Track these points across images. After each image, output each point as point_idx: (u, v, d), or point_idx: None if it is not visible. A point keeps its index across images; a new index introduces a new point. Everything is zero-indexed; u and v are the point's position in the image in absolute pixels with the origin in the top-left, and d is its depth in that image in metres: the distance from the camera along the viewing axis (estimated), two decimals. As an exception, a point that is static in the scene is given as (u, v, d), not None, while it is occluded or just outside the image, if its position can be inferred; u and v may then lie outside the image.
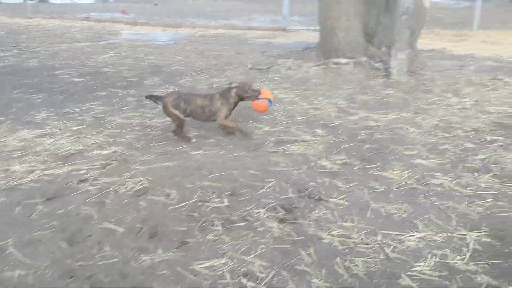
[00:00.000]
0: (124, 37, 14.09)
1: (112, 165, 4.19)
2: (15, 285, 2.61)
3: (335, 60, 7.73)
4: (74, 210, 3.41)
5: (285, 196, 3.56)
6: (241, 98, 4.70)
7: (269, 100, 4.69)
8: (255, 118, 5.58)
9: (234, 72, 8.39)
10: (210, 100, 4.71)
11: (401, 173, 3.92)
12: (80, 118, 5.70)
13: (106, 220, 3.26)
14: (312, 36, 12.44)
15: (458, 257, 2.79)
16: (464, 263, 2.73)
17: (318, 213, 3.32)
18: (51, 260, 2.82)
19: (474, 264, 2.71)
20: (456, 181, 3.78)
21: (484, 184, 3.72)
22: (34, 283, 2.61)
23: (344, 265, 2.73)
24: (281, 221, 3.22)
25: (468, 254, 2.81)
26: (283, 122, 5.38)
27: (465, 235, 3.01)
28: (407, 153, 4.38)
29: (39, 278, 2.66)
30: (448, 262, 2.74)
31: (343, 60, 7.64)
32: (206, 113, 4.74)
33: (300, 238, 3.01)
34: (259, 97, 4.62)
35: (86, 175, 3.99)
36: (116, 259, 2.82)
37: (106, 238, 3.04)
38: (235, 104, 4.76)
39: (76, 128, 5.30)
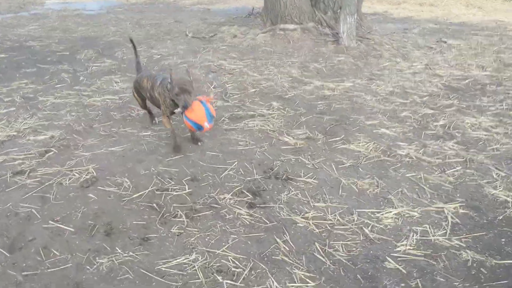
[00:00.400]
0: (49, 7, 12.94)
1: (51, 153, 3.71)
2: None
3: (282, 26, 7.42)
4: (11, 209, 2.96)
5: (250, 178, 3.30)
6: None
7: (197, 126, 3.40)
8: (205, 91, 5.22)
9: (175, 42, 7.89)
10: (152, 86, 3.78)
11: (367, 145, 3.77)
12: (8, 99, 5.07)
13: (51, 219, 2.85)
14: (253, 2, 12.02)
15: (439, 233, 2.68)
16: (446, 238, 2.62)
17: (288, 194, 3.09)
18: (-11, 273, 2.41)
19: (456, 239, 2.61)
20: (422, 150, 3.68)
21: (450, 152, 3.65)
22: (-30, 304, 2.21)
23: (324, 250, 2.54)
24: (250, 206, 2.97)
25: (448, 228, 2.71)
26: (235, 96, 5.06)
27: (442, 207, 2.91)
28: (368, 123, 4.24)
29: (-23, 297, 2.25)
30: (430, 239, 2.62)
31: (291, 26, 7.35)
32: (149, 98, 3.98)
33: (273, 224, 2.78)
34: (186, 115, 3.37)
35: (22, 166, 3.50)
36: (68, 265, 2.45)
37: (53, 241, 2.65)
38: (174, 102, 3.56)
39: (4, 111, 4.70)
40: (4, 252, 2.55)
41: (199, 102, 3.38)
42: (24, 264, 2.46)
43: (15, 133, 4.13)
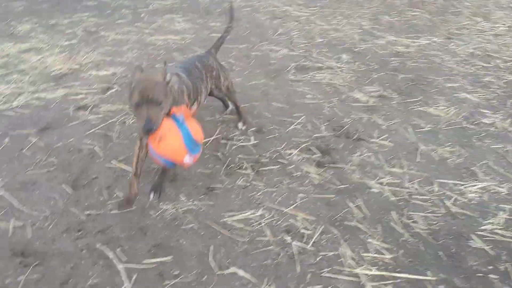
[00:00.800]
0: None
1: (113, 90, 3.62)
2: (11, 240, 2.16)
3: (352, -26, 6.91)
4: (74, 144, 2.91)
5: (318, 134, 3.09)
6: None
7: (170, 163, 2.16)
8: (269, 38, 4.95)
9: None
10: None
11: (447, 110, 3.45)
12: (69, 31, 5.00)
13: (114, 158, 2.77)
14: None
15: (531, 214, 2.41)
16: (539, 221, 2.36)
17: (360, 156, 2.87)
18: (51, 208, 2.36)
19: (551, 224, 2.34)
20: (509, 120, 3.33)
21: (541, 125, 3.29)
22: (33, 238, 2.17)
23: (402, 221, 2.33)
24: (319, 164, 2.77)
25: (542, 210, 2.44)
26: (301, 45, 4.77)
27: (533, 187, 2.62)
28: (448, 85, 3.88)
29: (40, 231, 2.20)
30: (521, 220, 2.36)
31: (362, -25, 6.84)
32: None
33: (344, 186, 2.59)
34: (152, 147, 2.08)
35: (85, 101, 3.43)
36: (132, 208, 2.37)
37: (116, 181, 2.57)
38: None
39: (66, 43, 4.63)
40: (67, 189, 2.50)
41: (171, 122, 2.05)
42: (86, 203, 2.40)
43: (77, 67, 4.06)
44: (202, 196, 2.46)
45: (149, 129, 1.94)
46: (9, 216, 2.30)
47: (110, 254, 2.07)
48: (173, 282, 1.95)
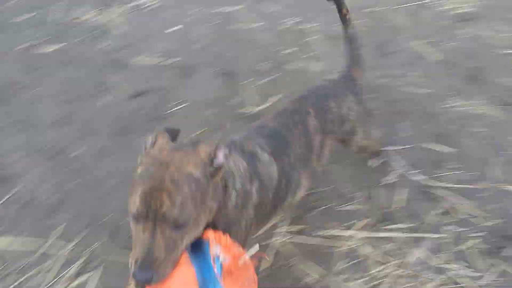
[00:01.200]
0: None
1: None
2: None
3: None
4: (386, 17, 2.94)
5: None
6: None
7: None
8: None
9: None
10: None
11: None
12: None
13: (417, 39, 2.73)
14: None
15: None
16: None
17: None
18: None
19: None
20: None
21: None
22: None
23: None
24: None
25: None
26: None
27: None
28: None
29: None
30: None
31: None
32: None
33: None
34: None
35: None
36: (429, 91, 2.36)
37: (414, 62, 2.56)
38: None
39: None
40: (376, 52, 2.59)
41: (191, 272, 0.88)
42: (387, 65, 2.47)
43: None
44: (502, 107, 2.26)
45: (144, 280, 0.86)
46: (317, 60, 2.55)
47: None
48: (449, 173, 1.93)
